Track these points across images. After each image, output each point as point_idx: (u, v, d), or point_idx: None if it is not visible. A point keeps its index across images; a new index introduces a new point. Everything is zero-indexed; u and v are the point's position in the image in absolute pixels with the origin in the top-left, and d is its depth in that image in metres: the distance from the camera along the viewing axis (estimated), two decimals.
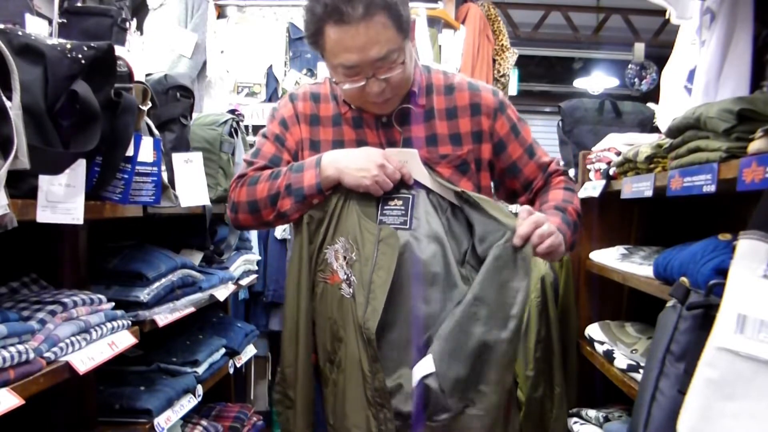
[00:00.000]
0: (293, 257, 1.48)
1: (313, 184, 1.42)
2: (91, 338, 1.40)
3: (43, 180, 1.20)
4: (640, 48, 6.27)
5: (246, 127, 2.92)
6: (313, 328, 1.50)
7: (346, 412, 1.43)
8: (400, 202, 1.47)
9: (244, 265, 2.57)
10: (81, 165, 1.27)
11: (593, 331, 2.31)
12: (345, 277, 1.43)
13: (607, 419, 2.15)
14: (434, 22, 3.93)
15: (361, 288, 1.39)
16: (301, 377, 1.47)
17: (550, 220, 1.41)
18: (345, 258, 1.44)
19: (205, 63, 3.75)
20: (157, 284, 1.75)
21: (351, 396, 1.42)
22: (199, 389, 2.04)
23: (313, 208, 1.46)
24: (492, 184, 1.60)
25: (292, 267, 1.48)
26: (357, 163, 1.40)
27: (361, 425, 1.41)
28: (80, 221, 1.27)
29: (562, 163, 3.29)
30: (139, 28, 3.27)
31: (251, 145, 3.07)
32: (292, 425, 1.50)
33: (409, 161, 1.46)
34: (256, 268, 2.82)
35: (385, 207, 1.46)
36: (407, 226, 1.43)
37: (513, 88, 4.91)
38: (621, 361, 1.99)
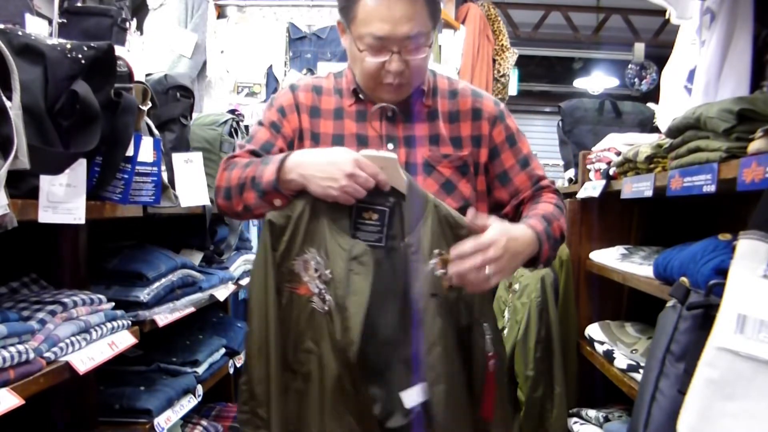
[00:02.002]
0: (257, 260, 1.36)
1: (270, 181, 1.32)
2: (91, 338, 1.40)
3: (44, 180, 1.20)
4: (640, 48, 6.28)
5: (246, 127, 2.92)
6: None
7: (324, 420, 1.35)
8: (376, 216, 1.35)
9: (244, 265, 2.57)
10: (81, 165, 1.27)
11: (593, 331, 2.31)
12: (317, 291, 1.33)
13: (607, 419, 2.15)
14: None
15: (337, 313, 1.31)
16: (275, 394, 1.35)
17: (531, 223, 1.36)
18: (317, 272, 1.33)
19: (205, 63, 3.76)
20: (157, 284, 1.75)
21: (329, 408, 1.34)
22: (199, 389, 2.04)
23: (276, 210, 1.34)
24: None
25: (256, 271, 1.36)
26: (323, 170, 1.29)
27: (343, 430, 1.35)
28: (82, 221, 1.28)
29: (562, 166, 3.30)
30: (139, 28, 3.27)
31: None
32: None
33: (386, 167, 1.32)
34: None
35: (359, 220, 1.35)
36: (382, 243, 1.34)
37: (513, 88, 4.92)
38: (621, 361, 1.99)
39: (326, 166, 1.29)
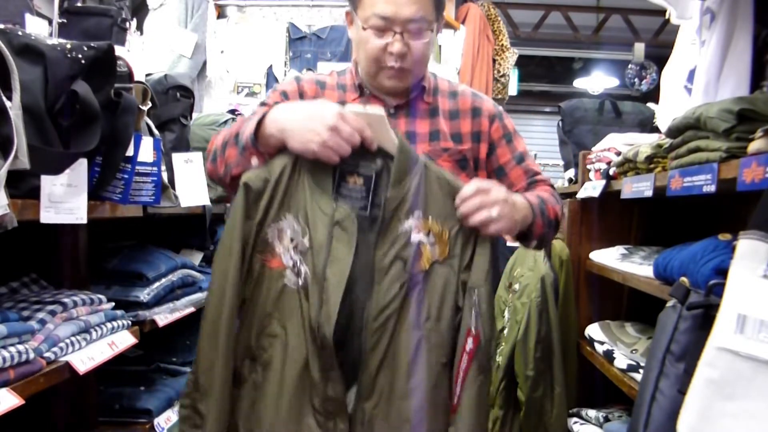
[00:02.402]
0: (225, 232, 1.26)
1: (249, 135, 1.26)
2: (91, 338, 1.40)
3: (45, 181, 1.20)
4: (640, 48, 6.28)
5: None
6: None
7: (279, 420, 1.24)
8: (360, 181, 1.26)
9: None
10: (82, 164, 1.27)
11: (593, 331, 2.31)
12: (291, 264, 1.23)
13: (607, 419, 2.15)
14: None
15: (315, 284, 1.21)
16: (217, 387, 1.22)
17: (526, 195, 1.36)
18: (293, 241, 1.23)
19: (205, 63, 3.76)
20: (157, 284, 1.75)
21: (288, 403, 1.24)
22: None
23: (253, 173, 1.25)
24: None
25: (221, 245, 1.25)
26: (305, 122, 1.22)
27: None
28: (84, 221, 1.28)
29: (562, 166, 3.30)
30: (139, 28, 3.27)
31: None
32: None
33: (374, 123, 1.24)
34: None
35: (342, 183, 1.26)
36: (366, 212, 1.26)
37: (513, 88, 4.92)
38: (621, 361, 1.99)
39: (307, 120, 1.23)
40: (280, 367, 1.24)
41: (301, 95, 1.47)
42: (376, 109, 1.27)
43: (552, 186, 1.55)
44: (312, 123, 1.22)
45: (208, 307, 1.26)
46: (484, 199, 1.25)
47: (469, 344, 1.25)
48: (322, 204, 1.24)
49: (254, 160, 1.27)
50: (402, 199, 1.25)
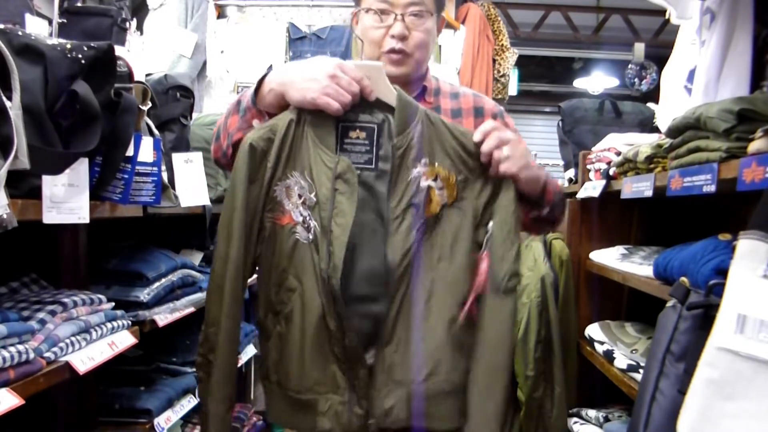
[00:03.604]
0: (227, 193, 1.29)
1: (249, 95, 1.30)
2: (91, 338, 1.40)
3: (47, 181, 1.20)
4: (640, 48, 6.28)
5: None
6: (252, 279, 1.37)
7: (305, 369, 1.29)
8: (363, 134, 1.28)
9: None
10: (83, 164, 1.27)
11: (593, 331, 2.31)
12: (301, 219, 1.27)
13: (607, 419, 2.15)
14: None
15: (323, 237, 1.24)
16: (223, 338, 1.28)
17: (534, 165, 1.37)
18: (301, 197, 1.26)
19: (205, 63, 3.76)
20: (157, 284, 1.75)
21: (310, 353, 1.28)
22: None
23: (256, 133, 1.27)
24: None
25: (225, 204, 1.29)
26: (304, 73, 1.25)
27: (326, 381, 1.29)
28: (86, 220, 1.28)
29: (562, 166, 3.30)
30: (139, 28, 3.27)
31: None
32: (208, 394, 1.31)
33: (372, 76, 1.26)
34: (257, 268, 2.81)
35: (345, 140, 1.28)
36: (372, 165, 1.29)
37: (513, 88, 4.91)
38: (621, 361, 1.99)
39: (307, 71, 1.26)
40: (300, 319, 1.29)
41: None
42: (375, 62, 1.32)
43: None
44: (311, 73, 1.25)
45: (214, 263, 1.31)
46: (501, 136, 1.28)
47: (483, 266, 1.28)
48: (325, 158, 1.26)
49: (255, 122, 1.31)
50: (407, 147, 1.28)
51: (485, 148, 1.28)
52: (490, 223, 1.29)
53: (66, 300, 1.37)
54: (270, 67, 4.12)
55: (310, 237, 1.27)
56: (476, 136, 1.29)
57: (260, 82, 1.32)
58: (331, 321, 1.26)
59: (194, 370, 2.04)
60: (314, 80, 1.24)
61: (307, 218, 1.27)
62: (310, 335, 1.28)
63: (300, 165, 1.27)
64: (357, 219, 1.25)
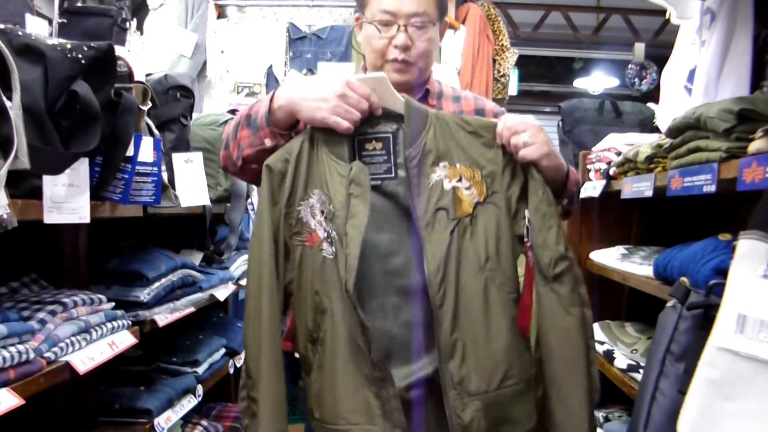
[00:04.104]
0: (256, 219, 1.30)
1: (263, 115, 1.30)
2: (91, 338, 1.40)
3: (47, 181, 1.20)
4: (640, 48, 6.27)
5: None
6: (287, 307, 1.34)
7: (337, 396, 1.25)
8: (380, 145, 1.30)
9: (244, 264, 2.57)
10: (84, 164, 1.27)
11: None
12: (325, 234, 1.26)
13: (607, 419, 2.15)
14: None
15: (340, 243, 1.24)
16: (266, 369, 1.24)
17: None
18: (323, 212, 1.26)
19: (205, 63, 3.76)
20: (157, 284, 1.75)
21: (342, 377, 1.25)
22: (199, 389, 2.04)
23: (274, 155, 1.29)
24: None
25: (254, 231, 1.29)
26: (313, 92, 1.27)
27: (359, 409, 1.24)
28: (87, 220, 1.28)
29: None
30: (139, 28, 3.27)
31: None
32: None
33: (377, 88, 1.28)
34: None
35: (363, 153, 1.30)
36: (392, 174, 1.30)
37: (513, 88, 4.91)
38: (621, 361, 1.99)
39: (315, 88, 1.28)
40: (331, 341, 1.27)
41: None
42: (379, 73, 1.32)
43: None
44: (320, 92, 1.27)
45: (248, 294, 1.29)
46: (517, 125, 1.28)
47: (530, 259, 1.28)
48: (340, 169, 1.27)
49: (267, 141, 1.32)
50: (422, 154, 1.28)
51: (505, 135, 1.28)
52: (526, 212, 1.28)
53: (66, 300, 1.37)
54: (270, 67, 4.07)
55: (333, 250, 1.26)
56: (499, 128, 1.29)
57: (271, 99, 1.32)
58: (357, 335, 1.23)
59: (194, 370, 2.06)
60: (323, 100, 1.25)
61: (330, 231, 1.26)
62: (340, 357, 1.25)
63: (319, 181, 1.28)
64: (380, 226, 1.26)
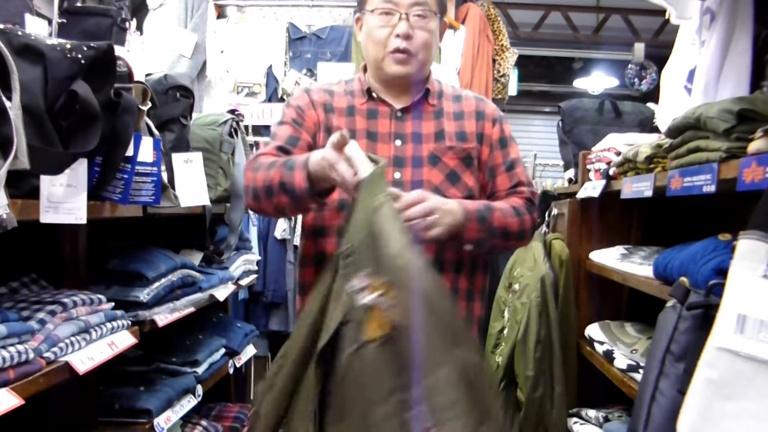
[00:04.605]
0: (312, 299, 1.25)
1: (304, 189, 1.32)
2: (91, 338, 1.40)
3: (45, 181, 1.20)
4: (640, 48, 6.27)
5: (246, 127, 2.92)
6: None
7: None
8: None
9: (243, 265, 2.57)
10: (82, 165, 1.27)
11: (593, 331, 2.31)
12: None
13: (607, 419, 2.15)
14: None
15: None
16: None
17: (466, 202, 1.41)
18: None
19: (205, 63, 3.76)
20: (157, 284, 1.75)
21: None
22: (199, 389, 2.04)
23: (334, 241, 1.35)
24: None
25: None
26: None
27: None
28: (83, 221, 1.28)
29: (562, 166, 3.29)
30: (139, 28, 3.27)
31: (251, 146, 3.05)
32: None
33: (354, 157, 1.23)
34: (256, 268, 2.82)
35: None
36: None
37: (513, 88, 4.90)
38: (621, 361, 1.99)
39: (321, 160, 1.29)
40: None
41: (312, 103, 1.56)
42: (380, 158, 1.26)
43: (528, 199, 1.56)
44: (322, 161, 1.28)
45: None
46: (425, 207, 1.31)
47: None
48: None
49: (313, 206, 1.41)
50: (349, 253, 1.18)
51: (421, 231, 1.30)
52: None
53: (66, 300, 1.37)
54: (270, 67, 4.08)
55: None
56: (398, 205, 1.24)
57: (308, 174, 1.31)
58: None
59: (194, 370, 2.06)
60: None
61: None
62: None
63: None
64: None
